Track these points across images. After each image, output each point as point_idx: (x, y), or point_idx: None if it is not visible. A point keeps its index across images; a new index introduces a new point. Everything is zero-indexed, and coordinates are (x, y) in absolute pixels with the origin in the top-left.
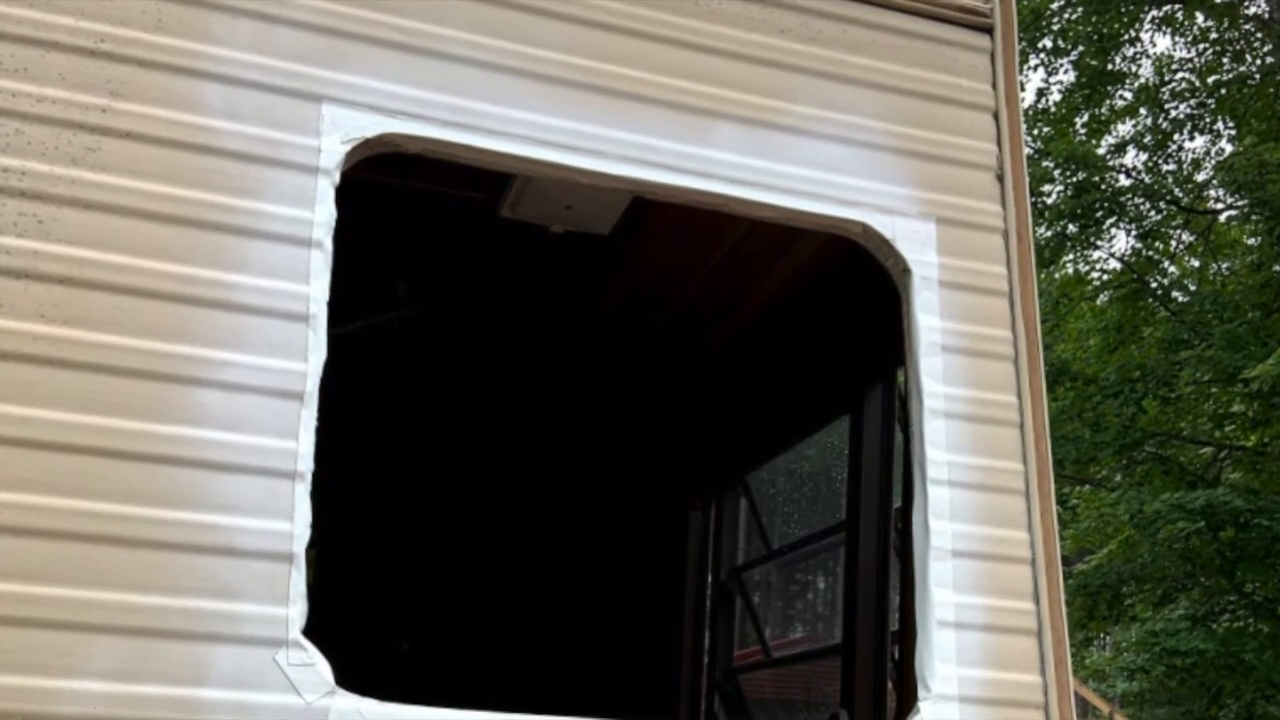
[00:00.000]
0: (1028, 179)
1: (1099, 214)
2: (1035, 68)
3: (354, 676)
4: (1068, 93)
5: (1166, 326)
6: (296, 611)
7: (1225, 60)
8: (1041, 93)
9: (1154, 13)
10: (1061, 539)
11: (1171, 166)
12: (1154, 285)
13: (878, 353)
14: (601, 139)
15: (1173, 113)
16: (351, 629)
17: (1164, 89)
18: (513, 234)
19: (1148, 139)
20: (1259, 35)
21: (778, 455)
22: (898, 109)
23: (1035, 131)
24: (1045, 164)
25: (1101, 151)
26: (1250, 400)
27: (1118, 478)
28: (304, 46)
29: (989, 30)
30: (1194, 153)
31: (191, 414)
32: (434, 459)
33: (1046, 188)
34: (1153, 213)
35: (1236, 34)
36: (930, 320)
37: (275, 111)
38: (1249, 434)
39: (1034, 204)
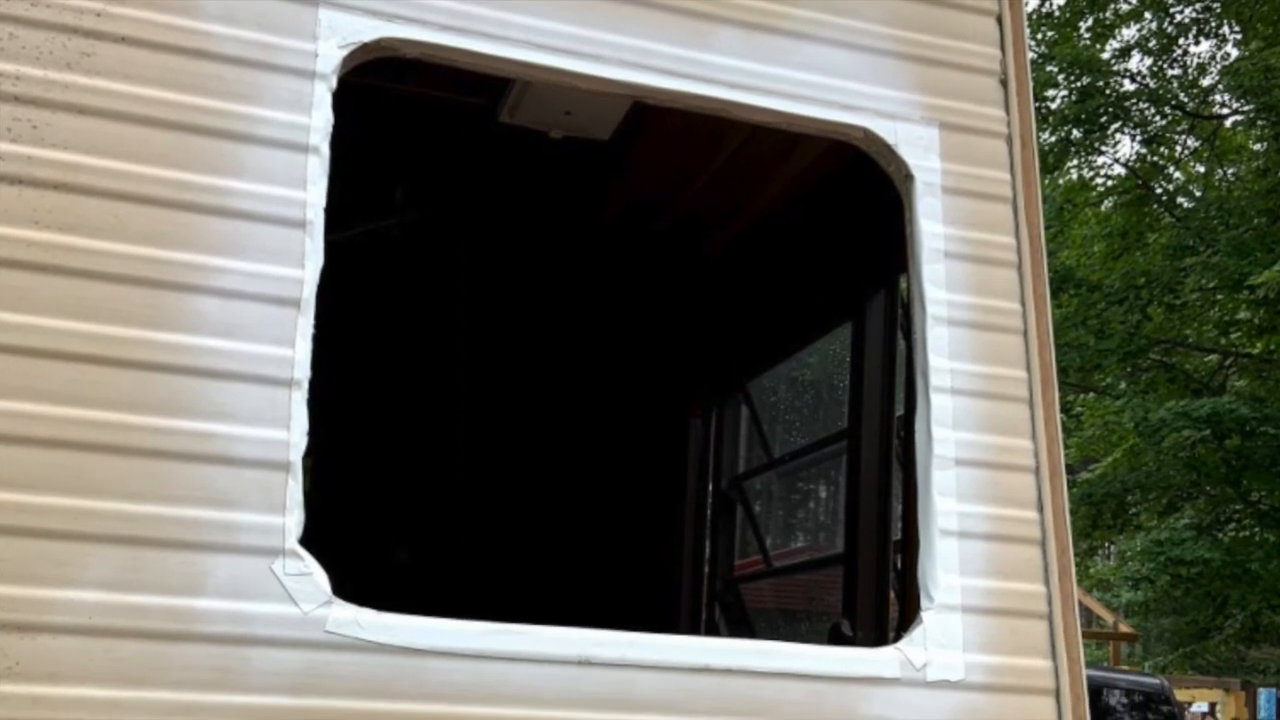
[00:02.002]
0: (1031, 84)
1: (1103, 119)
2: None
3: (351, 586)
4: None
5: (1171, 233)
6: (293, 520)
7: None
8: None
9: None
10: (1066, 447)
11: (1177, 71)
12: (1159, 191)
13: (880, 259)
14: (601, 43)
15: (1178, 17)
16: (349, 538)
17: None
18: (512, 140)
19: (1153, 43)
20: None
21: (779, 363)
22: (900, 13)
23: (1039, 36)
24: (1049, 69)
25: (1106, 56)
26: (1256, 307)
27: (1122, 385)
28: None
29: None
30: (1199, 57)
31: (187, 321)
32: (432, 367)
33: (1050, 92)
34: (1158, 118)
35: None
36: (933, 226)
37: (272, 16)
38: (1255, 341)
39: (1038, 109)
